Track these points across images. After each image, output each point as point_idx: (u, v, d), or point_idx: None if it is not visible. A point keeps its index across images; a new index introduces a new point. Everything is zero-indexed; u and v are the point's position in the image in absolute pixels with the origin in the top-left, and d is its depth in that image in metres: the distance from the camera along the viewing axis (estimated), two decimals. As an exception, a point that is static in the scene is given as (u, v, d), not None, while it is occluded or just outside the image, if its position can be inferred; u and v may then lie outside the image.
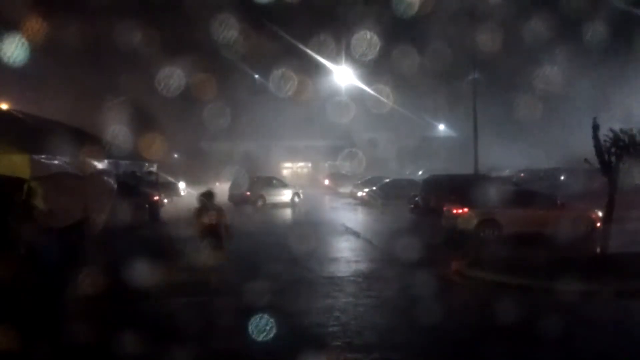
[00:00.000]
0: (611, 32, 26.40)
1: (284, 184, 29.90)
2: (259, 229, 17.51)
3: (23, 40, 20.42)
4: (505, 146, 36.84)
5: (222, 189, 39.65)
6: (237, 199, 26.37)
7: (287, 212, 25.43)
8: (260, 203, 26.59)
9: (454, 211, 14.48)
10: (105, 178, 11.60)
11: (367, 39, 29.25)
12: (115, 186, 12.03)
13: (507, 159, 35.32)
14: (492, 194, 14.06)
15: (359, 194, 29.70)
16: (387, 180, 29.64)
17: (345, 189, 34.28)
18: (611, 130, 9.65)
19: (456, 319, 7.27)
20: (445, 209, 14.90)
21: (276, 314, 7.05)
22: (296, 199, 28.57)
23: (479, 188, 14.81)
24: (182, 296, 8.54)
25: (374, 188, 28.77)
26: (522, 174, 29.23)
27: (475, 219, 13.93)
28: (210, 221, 8.33)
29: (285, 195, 28.34)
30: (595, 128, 9.90)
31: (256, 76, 43.08)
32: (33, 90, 26.19)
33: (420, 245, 12.24)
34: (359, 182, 32.71)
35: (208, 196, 8.54)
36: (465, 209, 14.24)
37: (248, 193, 26.65)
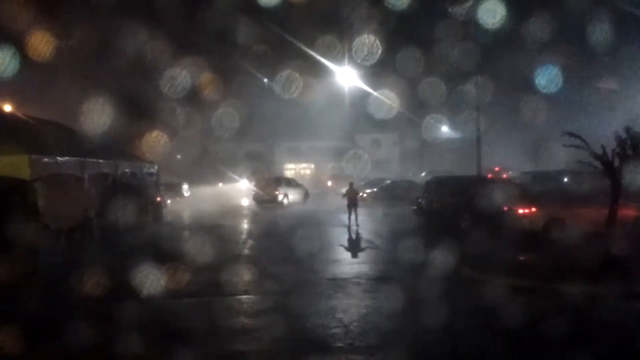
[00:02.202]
0: (616, 34, 26.28)
1: (298, 184, 31.51)
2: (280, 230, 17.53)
3: (29, 43, 20.49)
4: (511, 148, 36.68)
5: (225, 189, 39.85)
6: (263, 198, 27.66)
7: (301, 211, 25.78)
8: (285, 202, 27.93)
9: (520, 211, 14.17)
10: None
11: (371, 41, 29.24)
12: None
13: (511, 160, 35.16)
14: (557, 193, 13.85)
15: (361, 195, 29.71)
16: (389, 181, 29.71)
17: (348, 190, 34.29)
18: (627, 129, 9.58)
19: (460, 321, 7.18)
20: (506, 209, 14.49)
21: (279, 315, 7.00)
22: (307, 198, 30.14)
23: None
24: (184, 297, 8.55)
25: (376, 189, 28.86)
26: (512, 175, 29.00)
27: (542, 218, 13.74)
28: (351, 196, 18.12)
29: (300, 195, 29.98)
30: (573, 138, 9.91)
31: (262, 78, 43.05)
32: (38, 92, 26.27)
33: (423, 246, 12.16)
34: (362, 183, 32.72)
35: (351, 185, 18.88)
36: (533, 209, 14.01)
37: (277, 192, 27.87)
